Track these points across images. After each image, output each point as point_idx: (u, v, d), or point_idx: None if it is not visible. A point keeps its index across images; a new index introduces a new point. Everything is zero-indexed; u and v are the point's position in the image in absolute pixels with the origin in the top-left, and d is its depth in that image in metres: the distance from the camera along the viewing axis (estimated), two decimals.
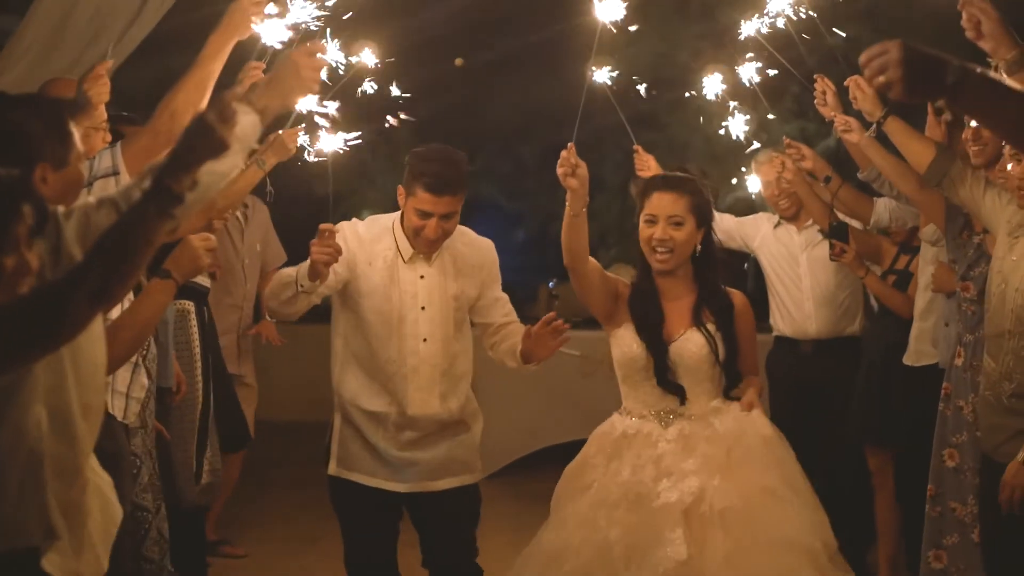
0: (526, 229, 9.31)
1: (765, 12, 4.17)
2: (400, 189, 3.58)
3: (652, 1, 3.62)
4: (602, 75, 4.12)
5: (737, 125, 4.57)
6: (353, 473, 3.61)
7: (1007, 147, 3.39)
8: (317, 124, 3.67)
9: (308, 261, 3.33)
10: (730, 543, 3.07)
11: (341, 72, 3.58)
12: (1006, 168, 3.46)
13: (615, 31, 3.45)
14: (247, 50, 3.44)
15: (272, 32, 3.29)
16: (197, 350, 4.50)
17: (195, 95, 3.21)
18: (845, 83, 4.04)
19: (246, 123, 2.18)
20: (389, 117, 3.88)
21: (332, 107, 3.63)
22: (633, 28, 3.54)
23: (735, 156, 5.29)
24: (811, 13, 4.03)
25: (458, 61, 7.22)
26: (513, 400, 6.83)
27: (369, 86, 3.87)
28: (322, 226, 3.31)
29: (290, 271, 3.49)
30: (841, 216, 4.78)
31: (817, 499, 3.27)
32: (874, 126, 3.95)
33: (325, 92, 3.47)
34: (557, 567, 3.17)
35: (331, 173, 3.69)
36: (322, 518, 4.27)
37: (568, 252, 3.33)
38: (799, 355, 4.98)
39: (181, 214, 2.00)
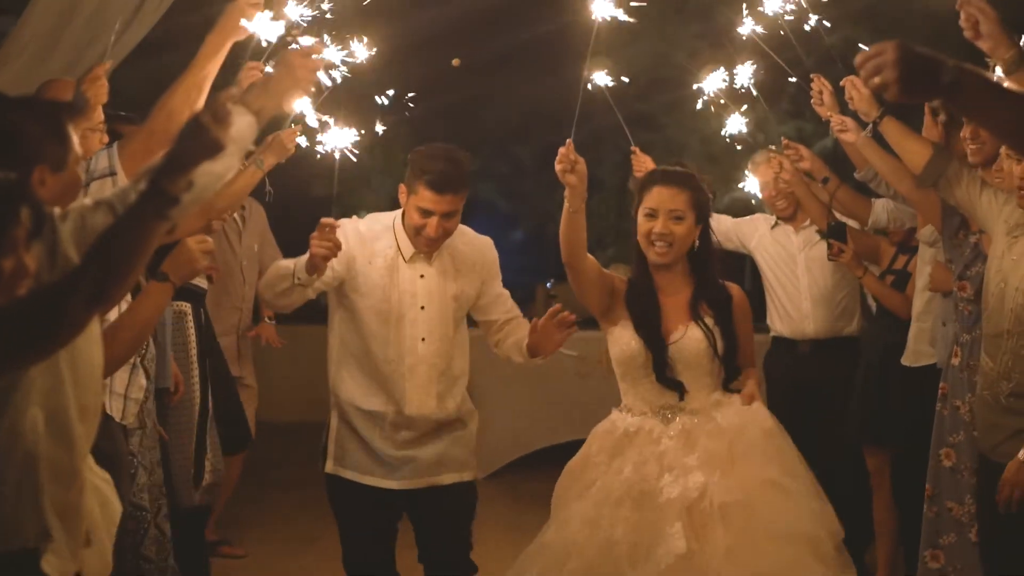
0: (524, 229, 9.32)
1: (761, 10, 4.16)
2: (401, 187, 3.58)
3: (650, 0, 3.59)
4: (600, 77, 4.12)
5: (735, 124, 4.57)
6: (350, 471, 3.61)
7: (1004, 147, 3.40)
8: (326, 121, 3.66)
9: (307, 254, 3.33)
10: (731, 537, 3.06)
11: (338, 73, 3.57)
12: (1002, 168, 3.47)
13: (611, 21, 3.43)
14: (246, 50, 3.44)
15: (267, 29, 3.27)
16: (194, 351, 4.50)
17: (192, 96, 3.21)
18: (841, 83, 4.04)
19: (242, 124, 2.18)
20: (380, 124, 3.87)
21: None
22: (630, 20, 3.52)
23: (732, 157, 5.29)
24: (810, 14, 4.03)
25: (455, 62, 7.22)
26: (510, 401, 6.84)
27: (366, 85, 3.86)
28: (323, 220, 3.31)
29: (288, 263, 3.49)
30: (839, 216, 4.79)
31: (820, 489, 3.27)
32: (870, 126, 3.95)
33: (320, 94, 3.47)
34: (561, 566, 3.16)
35: (337, 169, 3.68)
36: (321, 518, 4.27)
37: (566, 248, 3.33)
38: (797, 355, 4.98)
39: (177, 215, 2.00)
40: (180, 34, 3.85)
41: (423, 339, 3.57)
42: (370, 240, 3.59)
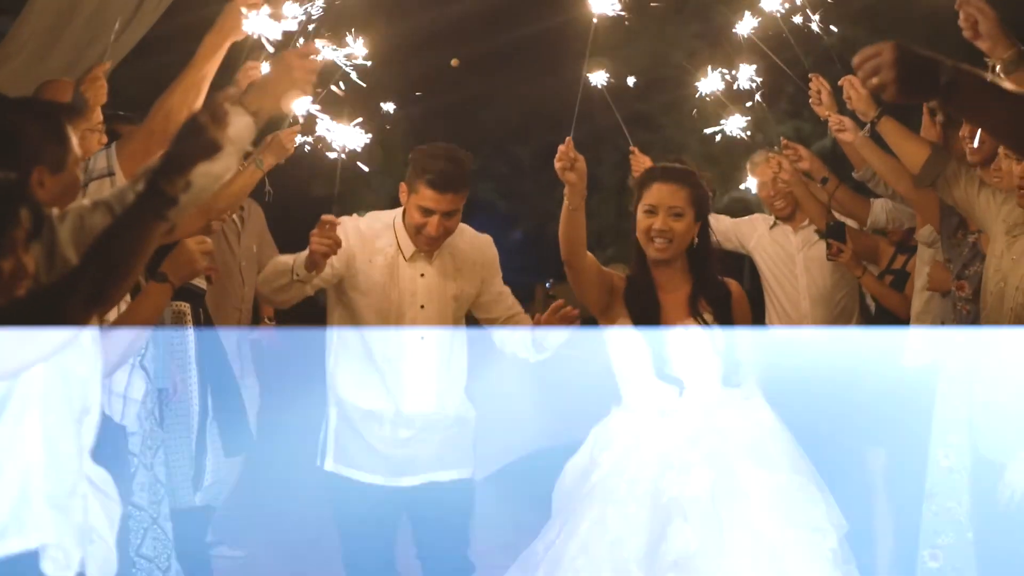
0: (523, 229, 9.32)
1: (761, 8, 4.17)
2: (402, 186, 3.57)
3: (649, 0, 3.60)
4: (599, 76, 4.12)
5: (734, 123, 4.57)
6: (350, 469, 3.61)
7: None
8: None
9: (306, 251, 3.33)
10: (732, 532, 3.06)
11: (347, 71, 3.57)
12: (1001, 167, 3.47)
13: (611, 14, 3.43)
14: (244, 50, 3.44)
15: (263, 26, 3.25)
16: (193, 351, 4.49)
17: (190, 96, 3.21)
18: (839, 82, 4.04)
19: (240, 125, 2.18)
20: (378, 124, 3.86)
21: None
22: (627, 14, 3.52)
23: (731, 156, 5.29)
24: (807, 10, 4.03)
25: (454, 62, 7.22)
26: (509, 401, 6.84)
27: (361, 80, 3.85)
28: (324, 217, 3.31)
29: (287, 259, 3.48)
30: (838, 216, 4.79)
31: (823, 483, 3.27)
32: (868, 126, 3.95)
33: (319, 93, 3.46)
34: (567, 565, 3.16)
35: (339, 167, 3.67)
36: (321, 519, 4.27)
37: (566, 246, 3.33)
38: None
39: (175, 216, 2.00)
40: (179, 34, 3.84)
41: (422, 338, 3.57)
42: (371, 238, 3.59)
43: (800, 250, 5.03)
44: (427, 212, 3.49)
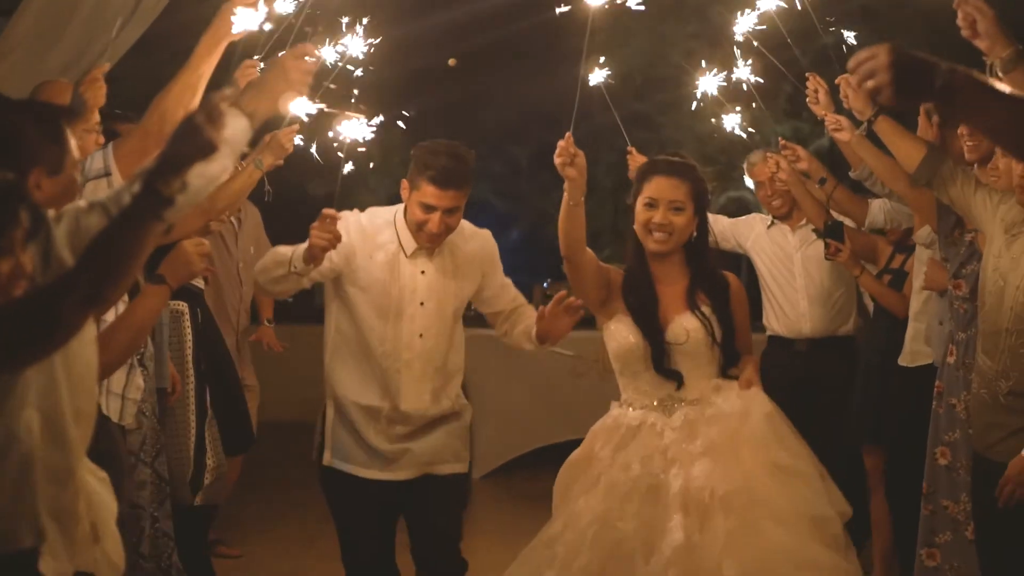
0: (520, 229, 9.32)
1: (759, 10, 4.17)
2: (404, 183, 3.57)
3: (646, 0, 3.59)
4: (596, 76, 4.12)
5: (731, 122, 4.57)
6: (348, 464, 3.61)
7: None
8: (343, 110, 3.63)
9: (306, 243, 3.33)
10: (732, 523, 3.05)
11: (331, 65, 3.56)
12: (998, 166, 3.48)
13: (607, 7, 3.43)
14: (243, 49, 3.44)
15: (253, 20, 3.24)
16: (190, 351, 4.50)
17: (186, 96, 3.21)
18: (836, 81, 4.05)
19: (236, 126, 2.18)
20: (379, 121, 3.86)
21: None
22: (631, 4, 3.51)
23: (728, 156, 5.30)
24: (809, 11, 4.04)
25: (451, 61, 7.23)
26: (506, 401, 6.85)
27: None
28: (325, 211, 3.30)
29: (286, 249, 3.48)
30: (836, 216, 4.79)
31: (824, 469, 3.26)
32: (864, 124, 3.96)
33: (316, 91, 3.46)
34: (571, 562, 3.14)
35: (343, 160, 3.66)
36: (321, 518, 4.27)
37: (565, 242, 3.33)
38: (793, 354, 4.98)
39: (172, 217, 2.00)
40: (177, 33, 3.84)
41: (420, 335, 3.57)
42: (372, 233, 3.58)
43: (798, 249, 5.03)
44: (429, 209, 3.48)
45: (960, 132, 3.79)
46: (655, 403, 3.36)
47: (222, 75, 3.46)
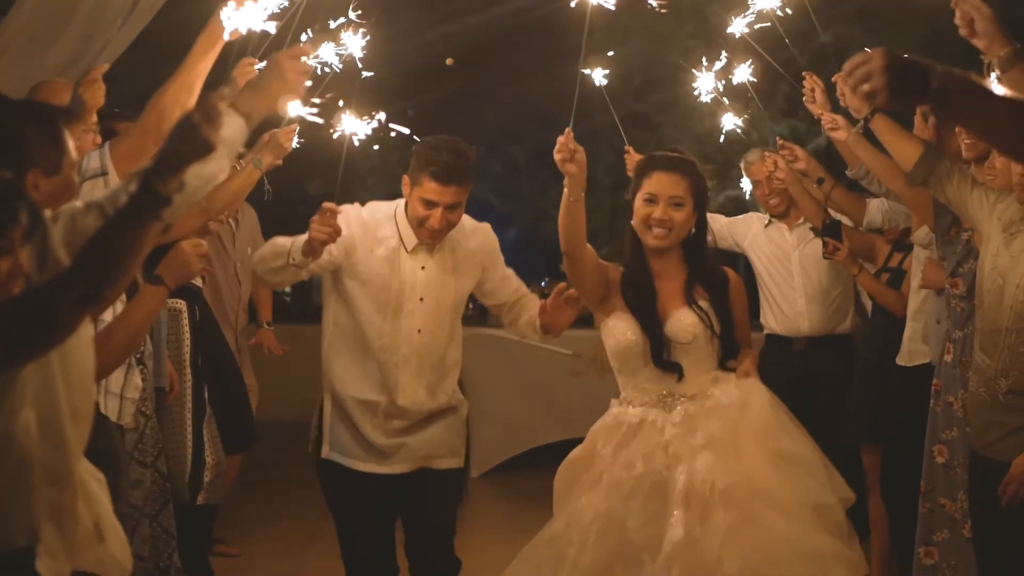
0: (517, 228, 9.33)
1: (754, 10, 4.17)
2: (405, 179, 3.58)
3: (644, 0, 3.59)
4: (596, 75, 4.12)
5: (729, 122, 4.58)
6: (346, 458, 3.61)
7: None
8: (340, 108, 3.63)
9: (305, 235, 3.33)
10: (732, 516, 3.04)
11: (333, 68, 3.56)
12: (995, 165, 3.48)
13: (607, 3, 3.43)
14: (240, 48, 3.44)
15: (247, 20, 3.23)
16: (187, 349, 4.50)
17: (183, 96, 3.21)
18: (833, 79, 4.05)
19: (232, 126, 2.18)
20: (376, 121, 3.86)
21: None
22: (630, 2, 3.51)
23: (726, 155, 5.30)
24: (809, 11, 4.04)
25: (449, 61, 7.23)
26: (505, 399, 6.85)
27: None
28: (325, 205, 3.30)
29: (285, 241, 3.48)
30: (834, 214, 4.79)
31: (825, 456, 3.26)
32: (860, 123, 3.96)
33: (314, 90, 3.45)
34: (575, 560, 3.14)
35: (345, 154, 3.65)
36: (319, 518, 4.28)
37: (565, 238, 3.32)
38: (791, 353, 4.99)
39: (169, 216, 2.00)
40: (174, 32, 3.84)
41: (419, 331, 3.58)
42: (372, 228, 3.58)
43: (795, 248, 5.04)
44: (430, 204, 3.49)
45: (957, 130, 3.79)
46: (655, 400, 3.36)
47: (219, 74, 3.46)
